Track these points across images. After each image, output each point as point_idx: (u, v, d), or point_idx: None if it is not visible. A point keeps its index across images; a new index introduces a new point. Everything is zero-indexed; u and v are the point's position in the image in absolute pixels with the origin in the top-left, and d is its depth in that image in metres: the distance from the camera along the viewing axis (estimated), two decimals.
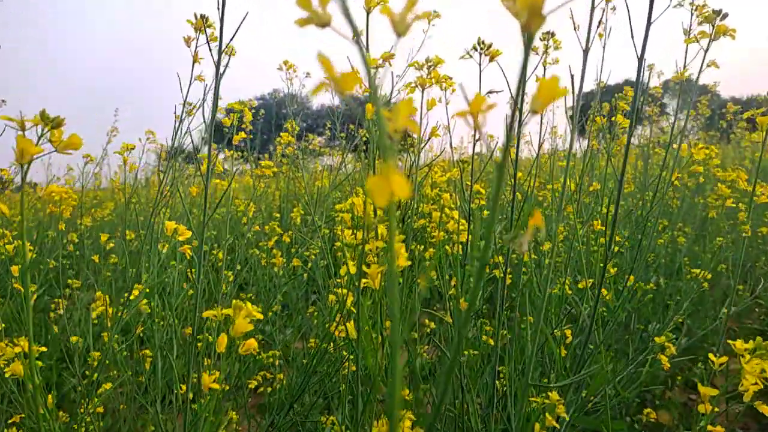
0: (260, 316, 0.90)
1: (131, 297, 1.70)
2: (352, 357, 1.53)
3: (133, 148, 1.73)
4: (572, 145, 1.24)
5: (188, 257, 1.15)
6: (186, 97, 1.36)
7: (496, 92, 1.30)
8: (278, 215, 3.43)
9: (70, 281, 2.73)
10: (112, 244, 2.40)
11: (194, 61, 1.35)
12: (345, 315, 1.40)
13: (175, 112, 1.38)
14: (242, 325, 0.87)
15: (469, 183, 1.36)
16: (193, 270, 2.84)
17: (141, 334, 2.78)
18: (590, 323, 1.14)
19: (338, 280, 1.49)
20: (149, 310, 2.23)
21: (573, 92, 1.29)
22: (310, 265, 3.04)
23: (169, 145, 2.08)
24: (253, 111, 4.17)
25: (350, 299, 1.37)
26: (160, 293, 2.61)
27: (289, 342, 3.32)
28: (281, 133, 2.34)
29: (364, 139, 3.28)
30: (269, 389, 2.52)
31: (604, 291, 1.51)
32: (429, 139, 1.17)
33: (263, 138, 6.43)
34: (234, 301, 0.89)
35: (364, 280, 1.04)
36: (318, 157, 5.62)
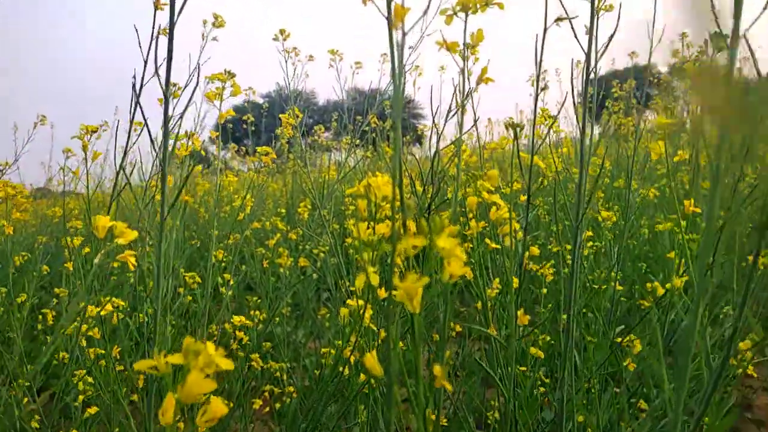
0: (229, 366, 0.53)
1: (102, 312, 1.34)
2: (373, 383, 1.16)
3: (95, 130, 1.37)
4: None
5: (132, 267, 0.80)
6: (147, 59, 0.98)
7: (568, 18, 0.93)
8: (284, 211, 3.07)
9: (56, 290, 2.38)
10: (87, 249, 2.04)
11: (156, 7, 0.98)
12: (362, 334, 1.03)
13: (134, 78, 1.00)
14: (197, 382, 0.50)
15: (525, 155, 0.98)
16: (189, 276, 2.48)
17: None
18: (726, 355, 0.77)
19: (352, 288, 1.12)
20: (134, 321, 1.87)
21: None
22: (320, 264, 2.68)
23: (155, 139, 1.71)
24: (249, 102, 3.80)
25: (368, 313, 1.00)
26: (150, 300, 2.26)
27: (302, 343, 2.96)
28: (280, 115, 1.98)
29: (374, 125, 2.91)
30: (278, 405, 2.17)
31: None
32: (478, 84, 0.80)
33: (269, 135, 6.07)
34: (186, 339, 0.52)
35: (393, 292, 0.67)
36: (326, 152, 5.25)
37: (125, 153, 1.14)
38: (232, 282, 2.20)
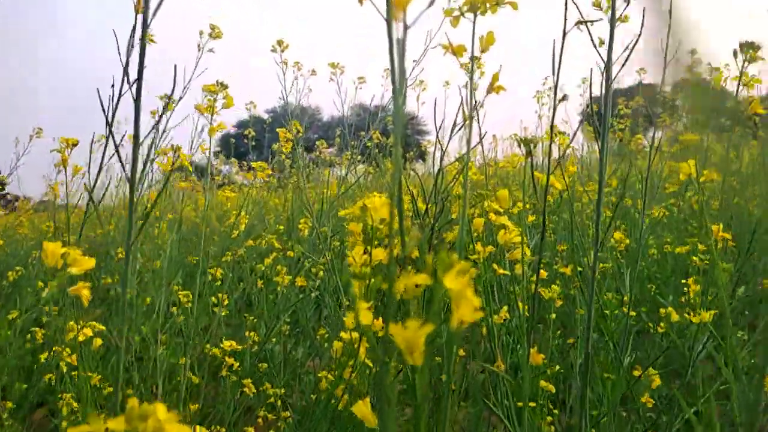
0: None
1: (80, 338, 1.23)
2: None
3: (76, 144, 1.28)
4: None
5: (85, 302, 0.69)
6: (126, 66, 0.88)
7: (588, 22, 0.83)
8: (282, 227, 2.96)
9: (45, 308, 2.27)
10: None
11: (136, 11, 0.89)
12: (357, 369, 0.92)
13: (112, 90, 0.88)
14: None
15: (539, 175, 0.88)
16: (184, 294, 2.37)
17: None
18: None
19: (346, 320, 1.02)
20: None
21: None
22: (318, 283, 2.57)
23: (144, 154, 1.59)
24: (252, 117, 3.72)
25: (364, 346, 0.89)
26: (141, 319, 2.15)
27: (302, 362, 2.84)
28: (278, 129, 1.89)
29: (376, 140, 2.82)
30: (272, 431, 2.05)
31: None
32: (488, 93, 0.70)
33: (272, 150, 6.00)
34: (130, 403, 0.42)
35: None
36: (329, 167, 5.16)
37: (98, 175, 1.04)
38: (226, 301, 2.09)
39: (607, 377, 1.10)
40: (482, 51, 0.66)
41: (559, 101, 0.81)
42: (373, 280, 0.65)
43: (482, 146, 1.37)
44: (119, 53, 0.88)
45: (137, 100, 0.69)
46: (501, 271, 1.05)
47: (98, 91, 0.74)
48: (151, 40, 0.96)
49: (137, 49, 0.84)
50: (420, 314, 0.50)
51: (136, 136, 0.69)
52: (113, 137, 0.75)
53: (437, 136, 1.12)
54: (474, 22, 0.63)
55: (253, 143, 3.10)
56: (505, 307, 1.10)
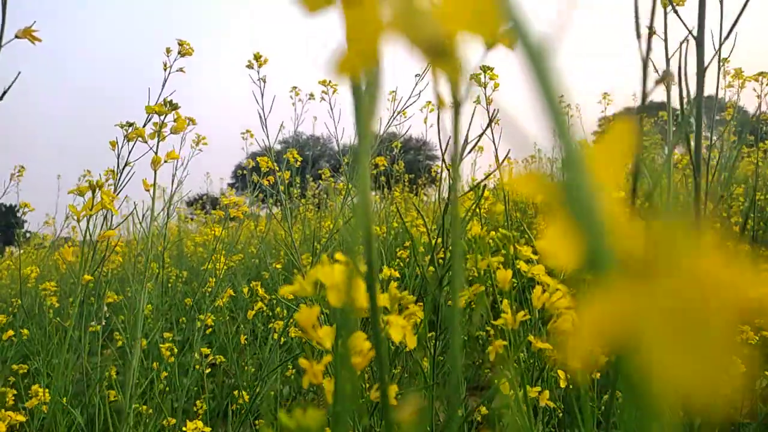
0: None
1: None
2: None
3: None
4: None
5: None
6: None
7: None
8: (279, 266, 2.65)
9: (14, 366, 1.97)
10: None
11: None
12: None
13: None
14: None
15: None
16: (166, 347, 2.04)
17: None
18: None
19: None
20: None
21: None
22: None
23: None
24: (268, 149, 3.45)
25: None
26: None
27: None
28: (258, 158, 1.60)
29: (382, 168, 2.51)
30: None
31: None
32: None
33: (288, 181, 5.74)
34: None
35: None
36: (339, 196, 4.87)
37: None
38: (210, 357, 1.77)
39: None
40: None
41: (657, 83, 0.47)
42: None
43: (500, 171, 1.06)
44: None
45: None
46: (540, 344, 0.71)
47: None
48: (33, 38, 0.67)
49: None
50: None
51: None
52: None
53: (443, 158, 0.81)
54: None
55: (254, 177, 2.83)
56: (547, 393, 0.77)
